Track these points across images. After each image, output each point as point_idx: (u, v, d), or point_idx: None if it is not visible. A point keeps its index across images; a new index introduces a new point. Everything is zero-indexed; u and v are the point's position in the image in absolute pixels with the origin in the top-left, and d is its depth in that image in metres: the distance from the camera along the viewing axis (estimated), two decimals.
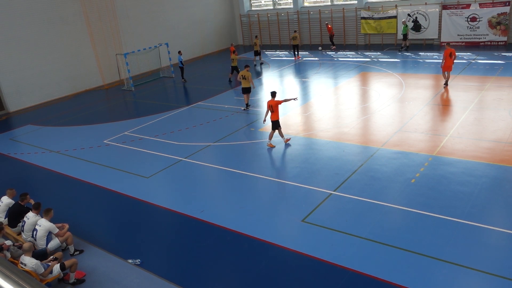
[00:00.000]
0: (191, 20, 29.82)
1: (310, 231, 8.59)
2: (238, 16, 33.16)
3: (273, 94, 13.03)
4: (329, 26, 27.30)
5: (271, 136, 12.96)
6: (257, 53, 25.14)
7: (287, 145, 12.98)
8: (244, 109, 16.84)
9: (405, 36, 24.47)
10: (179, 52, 23.27)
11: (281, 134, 12.97)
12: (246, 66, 16.38)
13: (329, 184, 10.29)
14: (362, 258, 7.60)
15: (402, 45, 24.87)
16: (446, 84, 16.86)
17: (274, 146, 12.91)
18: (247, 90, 16.51)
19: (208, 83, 22.55)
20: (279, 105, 12.81)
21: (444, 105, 15.14)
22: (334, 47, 27.37)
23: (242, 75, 16.20)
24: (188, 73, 24.58)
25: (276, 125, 12.80)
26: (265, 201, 10.00)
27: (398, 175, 10.36)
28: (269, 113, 12.88)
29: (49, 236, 8.38)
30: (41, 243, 8.29)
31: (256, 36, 25.57)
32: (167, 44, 25.09)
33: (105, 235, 9.46)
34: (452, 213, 8.56)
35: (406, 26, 24.41)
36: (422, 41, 25.84)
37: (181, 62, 22.91)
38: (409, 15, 25.60)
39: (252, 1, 33.23)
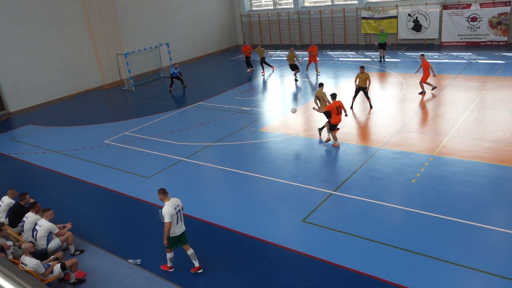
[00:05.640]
0: (191, 20, 29.82)
1: (310, 231, 8.58)
2: (238, 16, 33.15)
3: (334, 95, 12.71)
4: (248, 46, 23.89)
5: (335, 137, 12.50)
6: (263, 61, 22.74)
7: (288, 145, 12.97)
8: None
9: (383, 45, 22.36)
10: (175, 64, 21.40)
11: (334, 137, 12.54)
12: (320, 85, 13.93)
13: (329, 184, 10.29)
14: (362, 258, 7.59)
15: (380, 55, 22.68)
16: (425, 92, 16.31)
17: (339, 145, 12.44)
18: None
19: (209, 83, 22.55)
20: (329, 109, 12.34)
21: (444, 105, 15.13)
22: (251, 69, 24.01)
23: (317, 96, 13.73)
24: (188, 73, 24.58)
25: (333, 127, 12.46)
26: (266, 201, 9.99)
27: (398, 175, 10.35)
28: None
29: (50, 236, 8.38)
30: (41, 243, 8.29)
31: (258, 45, 23.32)
32: (167, 44, 25.10)
33: (105, 235, 9.46)
34: (453, 213, 8.56)
35: (386, 34, 22.44)
36: (422, 41, 25.83)
37: (171, 73, 21.14)
38: (409, 15, 25.59)
39: (252, 1, 33.23)
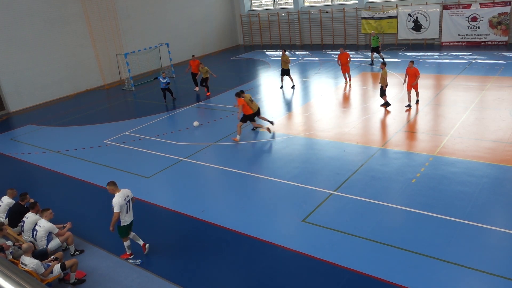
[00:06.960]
0: (191, 20, 29.82)
1: (310, 231, 8.58)
2: (238, 16, 33.16)
3: (238, 94, 13.74)
4: (196, 60, 20.57)
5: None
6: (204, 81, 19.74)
7: (288, 145, 12.97)
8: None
9: (376, 49, 21.49)
10: (162, 73, 18.92)
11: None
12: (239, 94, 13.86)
13: (329, 184, 10.28)
14: (362, 258, 7.59)
15: (372, 58, 22.06)
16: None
17: (238, 141, 13.60)
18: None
19: (209, 83, 22.49)
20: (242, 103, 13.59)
21: (444, 105, 15.13)
22: (198, 88, 20.70)
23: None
24: (188, 74, 24.51)
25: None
26: (266, 201, 9.99)
27: (398, 175, 10.35)
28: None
29: (50, 236, 8.38)
30: (41, 243, 8.29)
31: (201, 63, 20.20)
32: (167, 44, 25.10)
33: (105, 235, 9.42)
34: (453, 213, 8.56)
35: (377, 38, 21.46)
36: (422, 41, 25.83)
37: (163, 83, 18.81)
38: (409, 15, 25.59)
39: (252, 1, 33.23)
